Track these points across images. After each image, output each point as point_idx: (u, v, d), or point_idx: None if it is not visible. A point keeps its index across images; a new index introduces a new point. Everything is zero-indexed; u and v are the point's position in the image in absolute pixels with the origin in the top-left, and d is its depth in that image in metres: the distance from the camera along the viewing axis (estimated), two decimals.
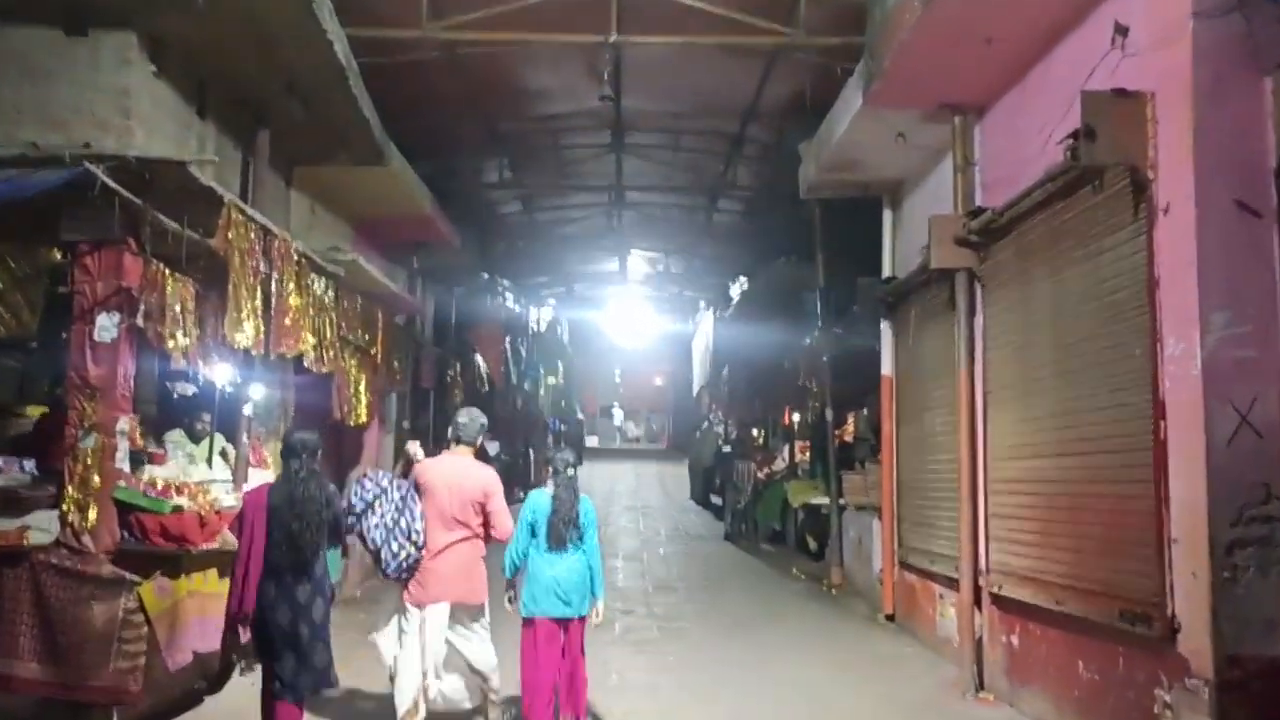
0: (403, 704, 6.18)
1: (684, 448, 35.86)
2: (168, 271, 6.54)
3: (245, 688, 7.70)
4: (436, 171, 12.98)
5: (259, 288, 7.41)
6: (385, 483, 6.29)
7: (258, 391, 8.91)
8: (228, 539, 6.94)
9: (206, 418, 8.96)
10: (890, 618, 10.61)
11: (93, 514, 6.23)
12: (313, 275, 8.86)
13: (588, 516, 6.55)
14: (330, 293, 9.55)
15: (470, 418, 6.67)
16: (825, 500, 13.90)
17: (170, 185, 6.42)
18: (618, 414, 53.24)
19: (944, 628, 9.04)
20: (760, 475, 18.11)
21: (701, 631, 10.33)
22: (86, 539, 6.21)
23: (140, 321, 6.36)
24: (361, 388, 10.85)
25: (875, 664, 8.98)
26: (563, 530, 6.38)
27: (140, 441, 7.05)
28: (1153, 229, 5.62)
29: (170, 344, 6.49)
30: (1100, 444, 6.24)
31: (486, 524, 6.38)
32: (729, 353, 22.59)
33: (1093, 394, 6.33)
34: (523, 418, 26.37)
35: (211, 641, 6.82)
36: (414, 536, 6.12)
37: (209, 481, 7.61)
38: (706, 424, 26.15)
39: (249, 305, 7.14)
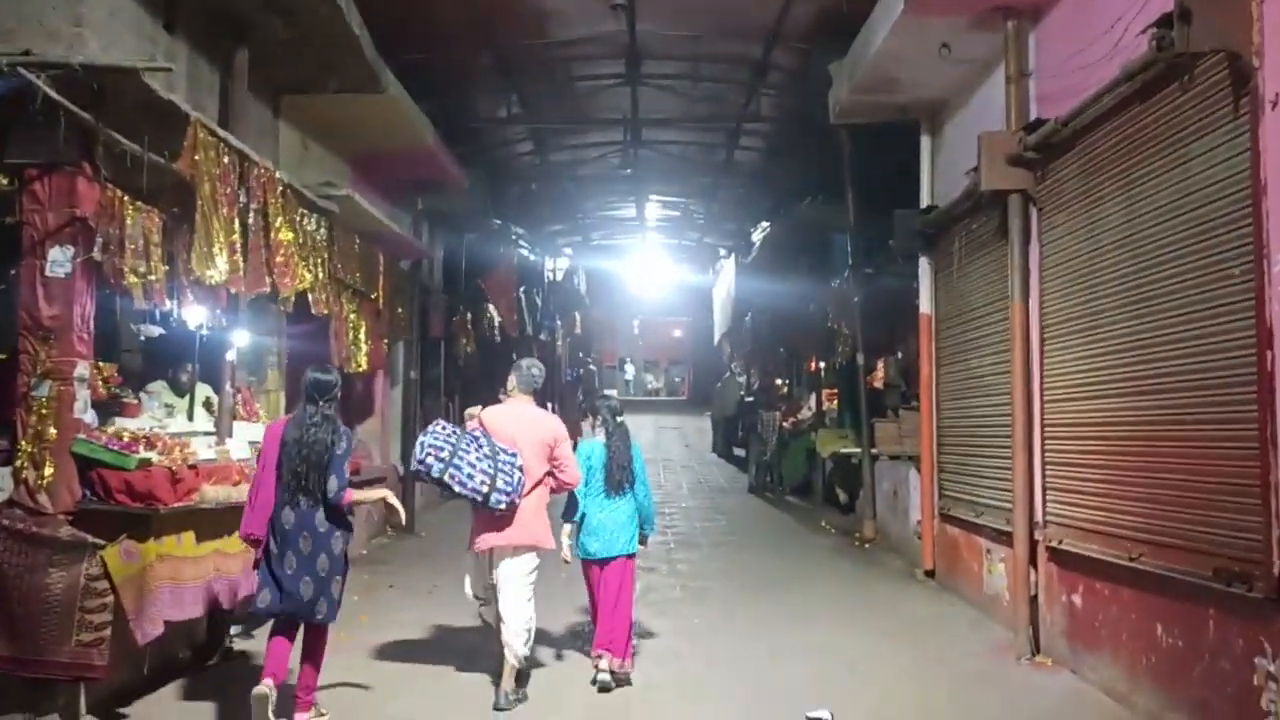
0: (510, 651, 6.23)
1: (705, 399, 35.15)
2: (127, 199, 5.82)
3: (236, 657, 7.14)
4: (441, 109, 12.17)
5: (236, 220, 6.67)
6: (452, 429, 6.26)
7: (243, 338, 8.24)
8: (206, 496, 6.30)
9: (192, 368, 8.35)
10: (930, 574, 9.92)
11: (49, 470, 5.57)
12: (303, 211, 8.13)
13: (638, 460, 6.86)
14: (323, 231, 8.82)
15: (531, 365, 6.69)
16: (856, 450, 13.18)
17: (126, 100, 5.67)
18: (629, 368, 52.40)
19: (991, 585, 8.34)
20: (785, 425, 17.39)
21: (727, 591, 9.66)
22: (43, 498, 5.55)
23: (97, 255, 5.66)
24: (361, 334, 10.16)
25: (916, 626, 8.28)
26: (620, 476, 6.68)
27: (104, 391, 6.35)
28: (1257, 127, 4.79)
29: (130, 280, 5.78)
30: (1185, 379, 5.46)
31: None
32: (752, 300, 21.77)
33: (1176, 323, 5.54)
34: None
35: (188, 609, 6.18)
36: (518, 461, 6.14)
37: (187, 434, 6.94)
38: (728, 374, 25.36)
39: (222, 238, 6.40)
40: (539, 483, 6.31)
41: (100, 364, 7.43)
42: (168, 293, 6.34)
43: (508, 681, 6.18)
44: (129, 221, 5.80)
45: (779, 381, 21.21)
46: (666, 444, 26.55)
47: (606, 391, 8.16)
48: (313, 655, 5.70)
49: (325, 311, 8.75)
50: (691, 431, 29.54)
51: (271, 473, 5.61)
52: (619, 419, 6.87)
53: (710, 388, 32.23)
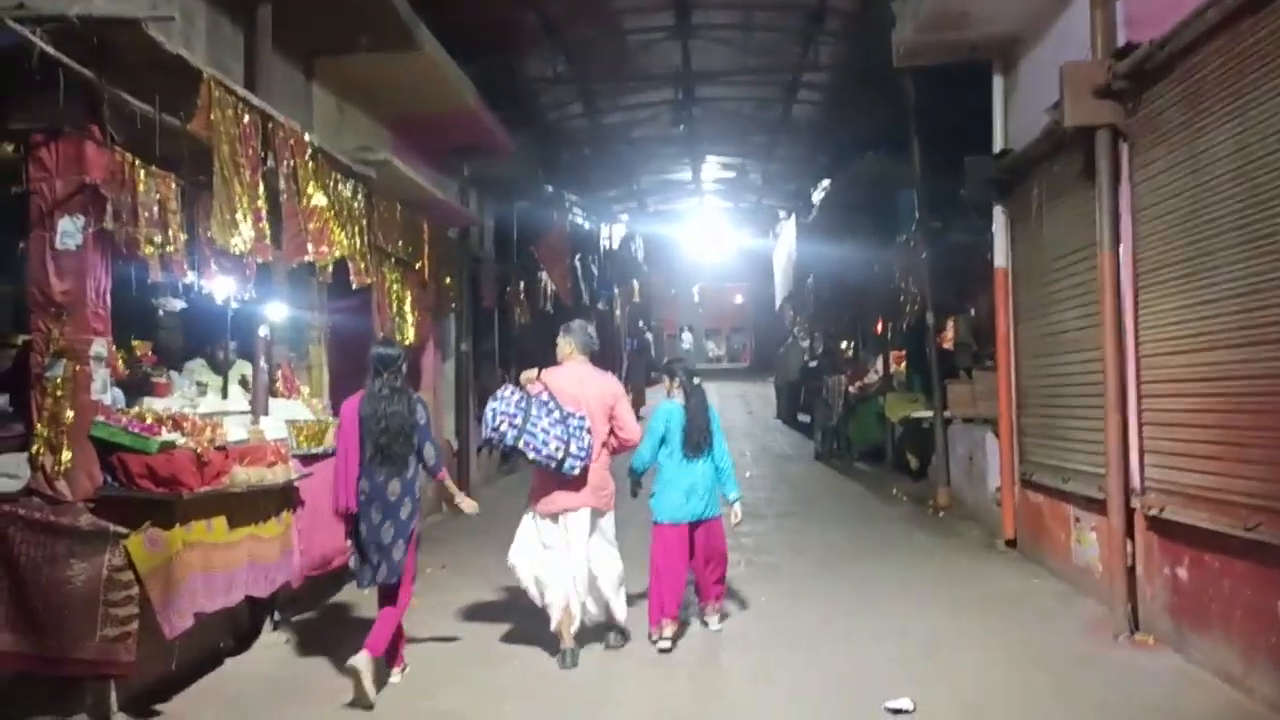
0: (556, 613, 6.28)
1: (767, 366, 34.58)
2: (139, 163, 5.42)
3: (275, 646, 6.81)
4: (484, 71, 11.67)
5: (261, 184, 6.25)
6: (520, 395, 6.26)
7: (279, 312, 7.87)
8: (237, 479, 5.93)
9: (233, 345, 8.03)
10: (1011, 544, 9.32)
11: (66, 455, 5.21)
12: (337, 176, 7.71)
13: (715, 423, 6.86)
14: (361, 198, 8.41)
15: (585, 326, 6.80)
16: (927, 414, 12.56)
17: (132, 57, 5.26)
18: (686, 336, 51.64)
19: (1081, 556, 7.73)
20: (852, 390, 16.77)
21: (795, 566, 9.16)
22: (61, 485, 5.20)
23: (109, 224, 5.28)
24: (406, 306, 9.77)
25: (1000, 601, 7.71)
26: (698, 439, 6.67)
27: (124, 370, 5.99)
28: None
29: (146, 250, 5.39)
30: None
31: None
32: (813, 261, 21.09)
33: None
34: (598, 339, 25.23)
35: (221, 598, 5.84)
36: (587, 423, 6.18)
37: (219, 414, 6.58)
38: (791, 339, 24.76)
39: (245, 204, 5.98)
40: (604, 444, 6.38)
41: (135, 341, 7.17)
42: (190, 264, 5.95)
43: (569, 640, 6.25)
44: (142, 187, 5.40)
45: (843, 345, 20.54)
46: (729, 412, 25.98)
47: (682, 352, 8.11)
48: (390, 613, 5.91)
49: (366, 282, 8.35)
50: (754, 398, 29.01)
51: (355, 448, 5.84)
52: (695, 381, 6.90)
53: (772, 354, 31.62)
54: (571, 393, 6.28)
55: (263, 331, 7.06)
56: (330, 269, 7.73)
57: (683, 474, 6.65)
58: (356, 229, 8.21)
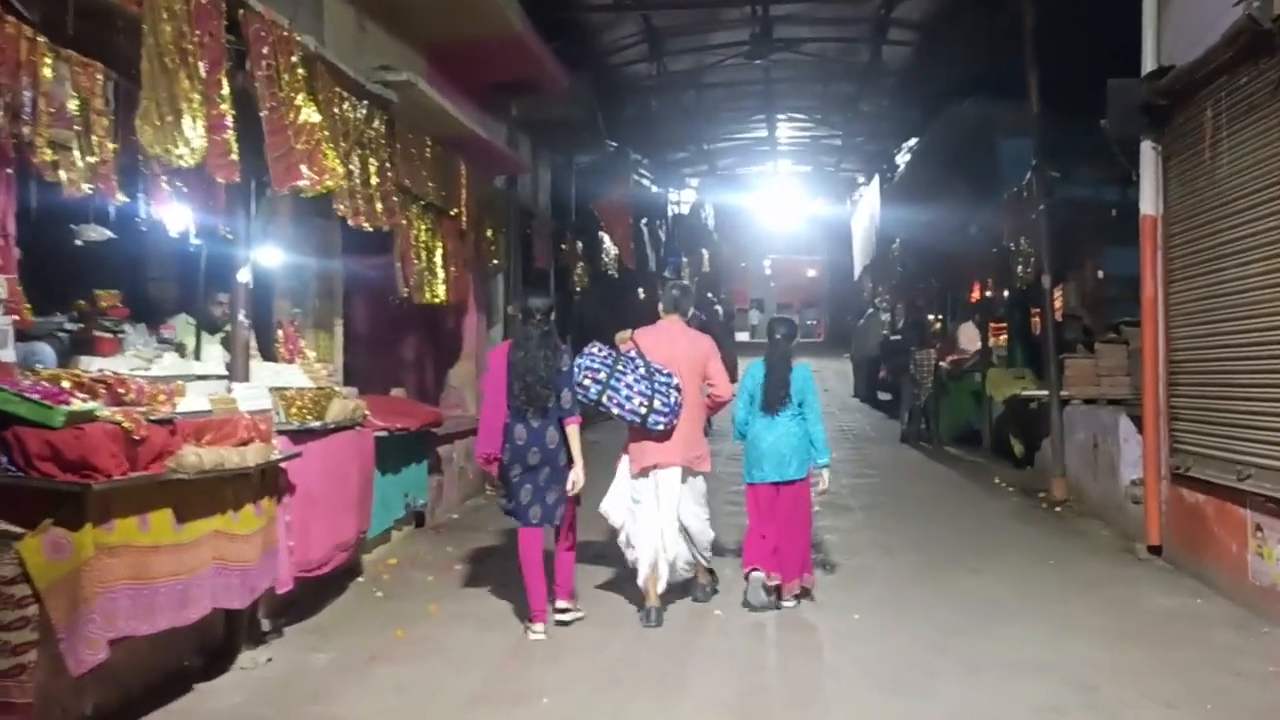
0: (644, 568, 6.27)
1: (843, 341, 32.85)
2: (44, 42, 4.08)
3: (255, 668, 5.49)
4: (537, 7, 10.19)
5: (225, 84, 4.88)
6: (608, 352, 6.26)
7: (274, 255, 6.55)
8: (185, 462, 4.58)
9: (224, 298, 6.72)
10: (1155, 550, 7.71)
11: None
12: (340, 92, 6.35)
13: (805, 382, 6.62)
14: (379, 125, 7.07)
15: (681, 288, 6.90)
16: (1039, 393, 10.90)
17: None
18: (754, 315, 49.75)
19: (1263, 573, 6.13)
20: (944, 365, 15.12)
21: (890, 571, 7.64)
22: None
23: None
24: (437, 258, 8.43)
25: (1159, 627, 6.14)
26: (776, 394, 6.50)
27: (32, 318, 4.64)
28: None
29: (44, 155, 4.05)
30: None
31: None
32: (898, 225, 19.31)
33: None
34: None
35: (166, 616, 4.52)
36: (675, 381, 6.17)
37: (183, 379, 5.28)
38: (870, 310, 23.04)
39: (195, 104, 4.62)
40: (693, 403, 6.31)
41: (99, 291, 5.87)
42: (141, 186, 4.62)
43: (654, 599, 6.21)
44: (47, 73, 4.06)
45: (931, 316, 18.82)
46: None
47: (777, 317, 7.51)
48: (562, 550, 6.13)
49: (378, 225, 6.99)
50: (830, 375, 27.28)
51: (503, 394, 5.90)
52: (778, 335, 6.70)
53: (849, 328, 29.88)
54: (663, 351, 6.28)
55: (243, 277, 5.72)
56: (338, 207, 6.39)
57: (765, 432, 6.52)
58: (369, 161, 6.87)
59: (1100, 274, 11.88)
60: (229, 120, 4.88)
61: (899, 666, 5.46)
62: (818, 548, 8.09)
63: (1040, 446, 11.68)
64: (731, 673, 5.37)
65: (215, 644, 5.49)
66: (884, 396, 20.81)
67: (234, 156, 4.91)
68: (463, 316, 10.89)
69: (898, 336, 20.46)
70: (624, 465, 6.43)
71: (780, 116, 20.22)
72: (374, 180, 6.94)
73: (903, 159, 20.26)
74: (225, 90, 4.87)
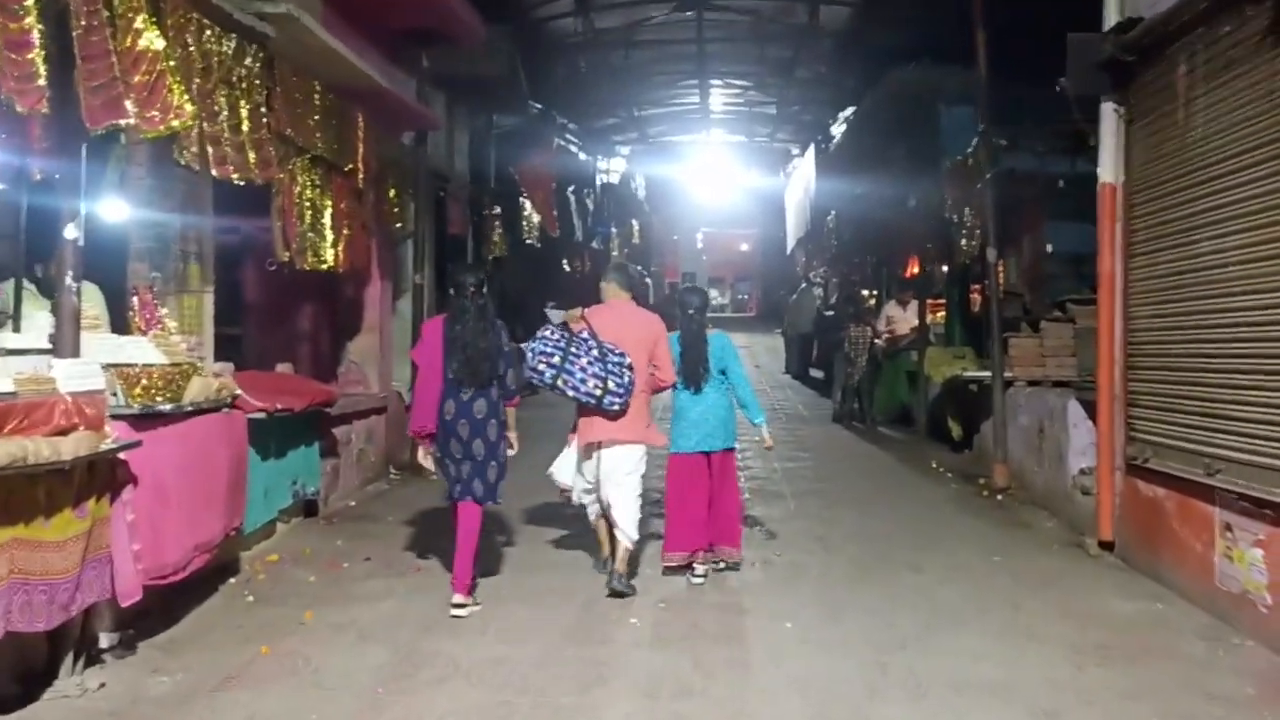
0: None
1: (775, 315, 32.38)
2: None
3: (80, 697, 4.61)
4: None
5: None
6: (561, 334, 6.22)
7: (123, 210, 5.63)
8: None
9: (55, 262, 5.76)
10: (1107, 546, 7.15)
11: None
12: (197, 17, 5.43)
13: (723, 350, 6.69)
14: (253, 63, 6.16)
15: (625, 266, 7.10)
16: (982, 374, 10.32)
17: None
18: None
19: (1232, 578, 5.56)
20: (879, 343, 14.54)
21: (827, 570, 6.96)
22: None
23: None
24: (326, 219, 7.53)
25: (1122, 637, 5.52)
26: (695, 370, 6.54)
27: None
28: None
29: None
30: None
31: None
32: (834, 197, 18.70)
33: None
34: (593, 281, 23.01)
35: None
36: (627, 360, 6.16)
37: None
38: (804, 285, 22.43)
39: None
40: (644, 379, 6.34)
41: None
42: None
43: (621, 564, 6.21)
44: None
45: (865, 292, 18.25)
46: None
47: (689, 291, 7.50)
48: (465, 538, 5.87)
49: (251, 178, 6.10)
50: (761, 351, 26.75)
51: (438, 368, 5.87)
52: (691, 311, 6.68)
53: (781, 303, 29.38)
54: (614, 331, 6.24)
55: (71, 233, 4.80)
56: (195, 151, 5.48)
57: (691, 405, 6.59)
58: (238, 101, 5.96)
59: (1049, 248, 11.31)
60: (35, 37, 3.96)
61: (837, 688, 4.77)
62: (749, 541, 7.43)
63: (979, 429, 11.15)
64: (648, 699, 4.64)
65: (38, 666, 4.63)
66: (817, 374, 20.28)
67: (41, 82, 3.99)
68: (365, 285, 10.00)
69: (831, 312, 19.93)
70: (574, 438, 6.47)
71: (714, 82, 19.47)
72: (245, 126, 6.04)
73: (838, 129, 19.65)
74: (31, 2, 3.95)
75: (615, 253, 25.76)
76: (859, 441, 13.14)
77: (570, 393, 6.11)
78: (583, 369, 6.09)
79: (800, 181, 23.19)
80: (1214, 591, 5.74)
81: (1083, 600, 6.21)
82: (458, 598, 5.76)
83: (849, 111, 18.41)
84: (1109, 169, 7.05)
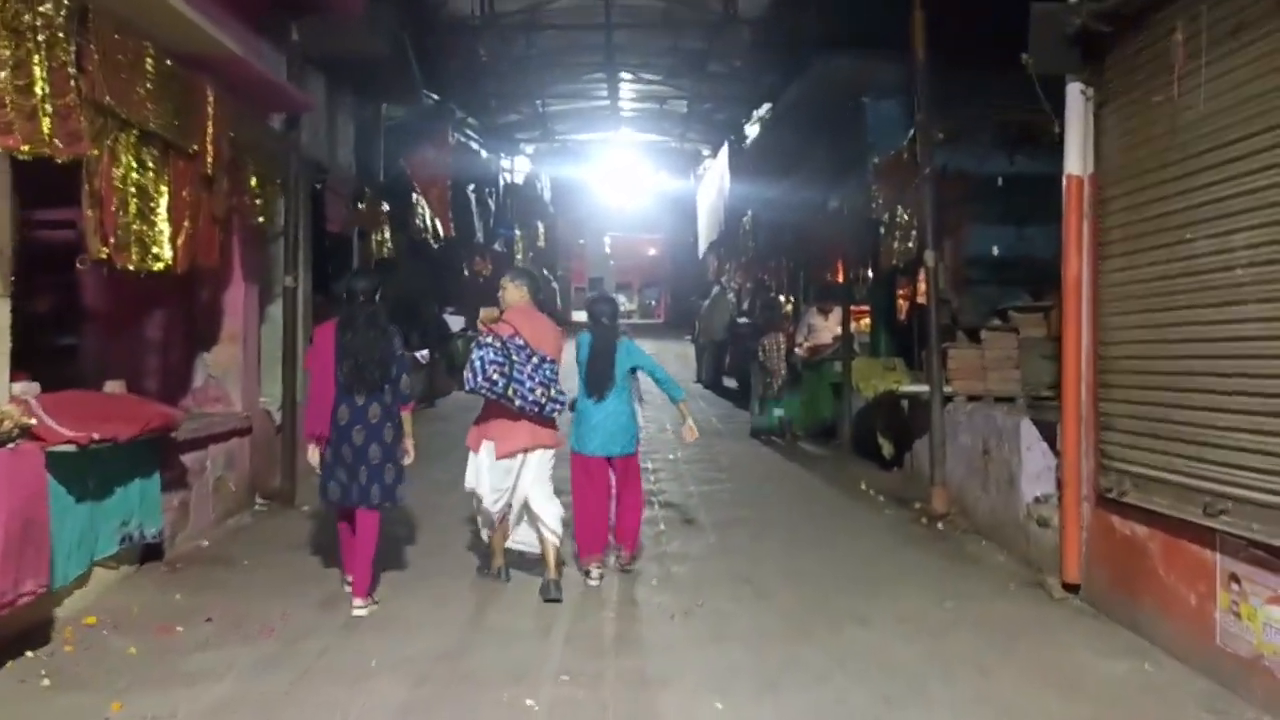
0: (485, 527, 6.51)
1: (685, 322, 31.54)
2: None
3: None
4: None
5: None
6: (500, 342, 6.07)
7: None
8: None
9: None
10: (1072, 588, 6.28)
11: None
12: None
13: (629, 355, 6.72)
14: (54, 10, 4.92)
15: (532, 271, 7.25)
16: (919, 388, 9.44)
17: None
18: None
19: (1243, 640, 4.69)
20: (798, 352, 13.67)
21: (758, 624, 5.93)
22: None
23: None
24: (161, 208, 6.26)
25: (1118, 713, 4.64)
26: (600, 381, 6.59)
27: None
28: None
29: None
30: None
31: None
32: (750, 197, 17.81)
33: None
34: (494, 285, 21.78)
35: None
36: (557, 366, 6.24)
37: None
38: (717, 289, 21.53)
39: None
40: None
41: None
42: None
43: (554, 568, 6.23)
44: None
45: (782, 298, 17.40)
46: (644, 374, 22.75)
47: (599, 298, 7.34)
48: (363, 545, 5.89)
49: (48, 153, 4.84)
50: (671, 359, 25.69)
51: (330, 374, 5.86)
52: (604, 320, 6.75)
53: (692, 309, 28.51)
54: (534, 336, 6.20)
55: None
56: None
57: (593, 410, 6.63)
58: (37, 58, 4.75)
59: (995, 250, 10.51)
60: None
61: None
62: (665, 584, 6.41)
63: (910, 447, 10.31)
64: None
65: None
66: (730, 383, 19.40)
67: None
68: (225, 288, 8.70)
69: (744, 319, 19.08)
70: (486, 447, 6.25)
71: (624, 76, 18.45)
72: (41, 88, 4.78)
73: (753, 129, 18.81)
74: None
75: (519, 256, 24.58)
76: (781, 459, 12.21)
77: (519, 402, 6.06)
78: (530, 376, 6.07)
79: (713, 182, 22.29)
80: (1215, 652, 4.88)
81: (1059, 660, 5.30)
82: (357, 601, 5.89)
83: (764, 109, 17.58)
84: (1076, 159, 6.17)
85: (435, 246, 14.38)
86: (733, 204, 19.17)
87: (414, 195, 13.44)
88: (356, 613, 5.83)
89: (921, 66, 8.91)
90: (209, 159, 6.91)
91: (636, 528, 6.93)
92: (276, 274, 9.38)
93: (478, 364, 6.02)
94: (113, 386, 6.65)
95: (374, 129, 13.15)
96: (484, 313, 6.46)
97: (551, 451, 6.36)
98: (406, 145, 13.48)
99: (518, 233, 23.99)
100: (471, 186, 18.45)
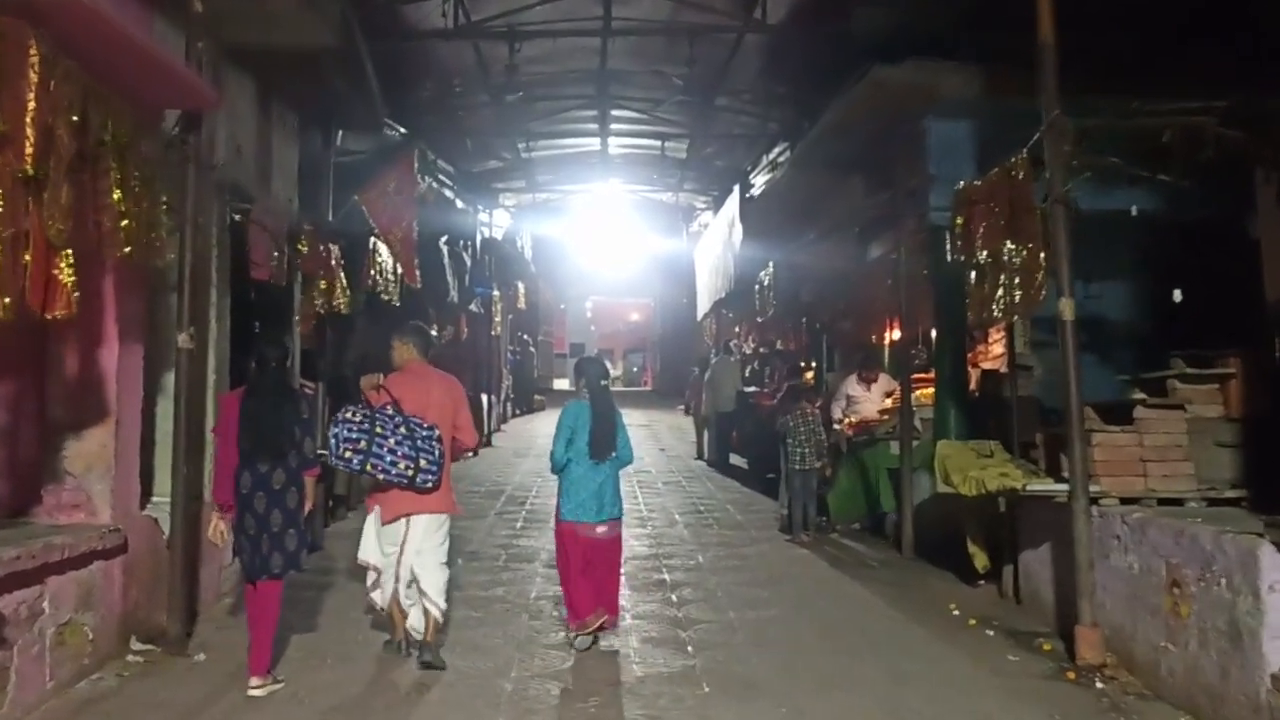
0: (381, 599, 6.34)
1: (677, 391, 29.24)
2: None
3: None
4: None
5: None
6: (363, 414, 5.96)
7: None
8: None
9: None
10: None
11: None
12: None
13: (622, 430, 6.80)
14: None
15: (421, 328, 6.71)
16: (1056, 488, 6.88)
17: None
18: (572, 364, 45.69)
19: None
20: (840, 429, 11.25)
21: None
22: None
23: None
24: None
25: None
26: (603, 443, 6.57)
27: None
28: None
29: None
30: None
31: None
32: (769, 248, 15.47)
33: None
34: (469, 349, 19.31)
35: None
36: (436, 433, 6.04)
37: None
38: (722, 354, 19.15)
39: None
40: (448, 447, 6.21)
41: None
42: None
43: (431, 635, 6.14)
44: None
45: (803, 364, 14.97)
46: (637, 448, 20.14)
47: (594, 361, 6.74)
48: (263, 615, 5.72)
49: None
50: (665, 431, 23.48)
51: (233, 440, 5.68)
52: (603, 383, 6.82)
53: (684, 376, 26.17)
54: (418, 400, 6.09)
55: None
56: None
57: (590, 475, 6.57)
58: None
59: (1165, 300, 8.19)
60: None
61: None
62: None
63: (1016, 560, 7.85)
64: None
65: None
66: (738, 461, 16.94)
67: None
68: (91, 352, 6.22)
69: (751, 388, 16.76)
70: (375, 511, 6.20)
71: (615, 113, 16.18)
72: None
73: (760, 176, 16.65)
74: None
75: (498, 318, 22.16)
76: (827, 567, 9.60)
77: (381, 476, 5.95)
78: (391, 450, 5.91)
79: (718, 236, 20.01)
80: None
81: None
82: (254, 680, 5.61)
83: (776, 152, 15.41)
84: None
85: (397, 304, 11.91)
86: (745, 257, 16.85)
87: (371, 240, 10.99)
88: (252, 693, 5.55)
89: (1047, 48, 6.60)
90: (28, 147, 4.47)
91: (618, 591, 6.92)
92: (165, 331, 6.89)
93: (333, 442, 5.91)
94: None
95: (323, 159, 10.77)
96: (364, 381, 6.17)
97: (442, 517, 6.20)
98: (365, 177, 11.10)
99: (495, 293, 21.58)
100: (444, 239, 16.09)
